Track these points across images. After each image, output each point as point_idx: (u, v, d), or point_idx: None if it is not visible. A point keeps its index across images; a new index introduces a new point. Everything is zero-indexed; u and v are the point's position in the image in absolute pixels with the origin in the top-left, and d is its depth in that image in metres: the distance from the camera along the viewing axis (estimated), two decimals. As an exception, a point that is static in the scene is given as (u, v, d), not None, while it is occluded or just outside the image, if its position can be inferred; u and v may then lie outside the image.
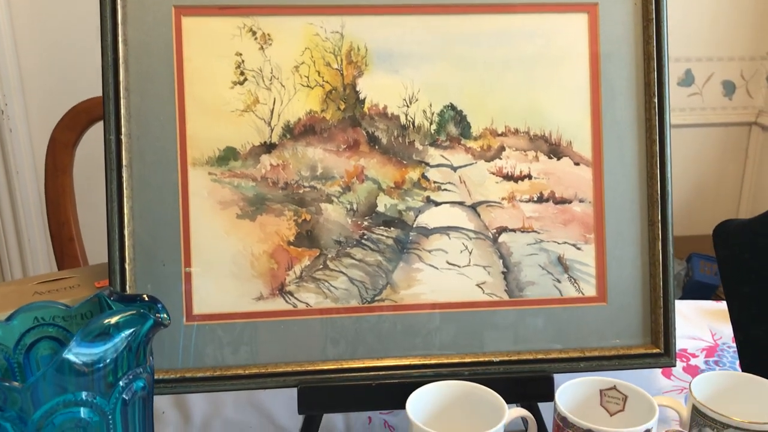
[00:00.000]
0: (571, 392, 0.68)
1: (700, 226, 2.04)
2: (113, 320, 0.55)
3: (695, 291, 2.10)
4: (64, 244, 1.22)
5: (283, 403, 0.88)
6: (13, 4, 1.92)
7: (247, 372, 0.74)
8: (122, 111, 0.73)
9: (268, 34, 0.75)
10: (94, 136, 1.24)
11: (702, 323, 1.05)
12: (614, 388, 0.69)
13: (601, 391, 0.69)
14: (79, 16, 1.92)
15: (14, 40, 1.94)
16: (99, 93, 1.03)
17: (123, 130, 0.73)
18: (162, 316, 0.59)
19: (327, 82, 0.75)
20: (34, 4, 1.93)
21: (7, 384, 0.51)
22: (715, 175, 2.23)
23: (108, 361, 0.55)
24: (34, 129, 2.01)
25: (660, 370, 0.93)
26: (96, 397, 0.55)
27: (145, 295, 0.60)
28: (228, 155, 0.75)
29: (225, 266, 0.75)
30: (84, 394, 0.55)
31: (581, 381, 0.69)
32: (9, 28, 1.91)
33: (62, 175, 1.21)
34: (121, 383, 0.56)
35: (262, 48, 0.75)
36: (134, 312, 0.56)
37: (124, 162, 0.73)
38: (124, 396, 0.57)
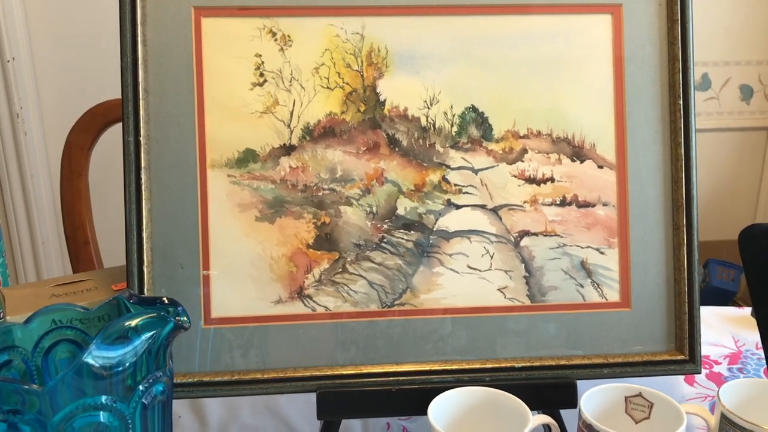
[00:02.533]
0: (596, 399, 0.67)
1: (717, 232, 2.02)
2: (133, 323, 0.54)
3: (712, 297, 2.08)
4: (79, 248, 1.22)
5: (301, 407, 0.87)
6: (28, 7, 1.92)
7: (265, 376, 0.73)
8: (141, 113, 0.72)
9: (288, 36, 0.74)
10: (110, 139, 1.24)
11: (724, 330, 1.04)
12: (640, 395, 0.68)
13: (626, 398, 0.68)
14: (96, 18, 1.93)
15: (30, 44, 1.94)
16: (114, 95, 1.03)
17: (142, 132, 0.72)
18: (182, 319, 0.58)
19: (347, 83, 0.75)
20: (50, 7, 1.93)
21: (26, 387, 0.50)
22: (732, 180, 2.21)
23: (128, 364, 0.55)
24: (48, 133, 2.02)
25: (683, 377, 0.92)
26: (116, 401, 0.54)
27: (165, 298, 0.60)
28: (247, 157, 0.74)
29: (244, 269, 0.74)
30: (103, 398, 0.54)
31: (606, 388, 0.68)
32: (24, 31, 1.92)
33: (78, 179, 1.21)
34: (140, 387, 0.55)
35: (281, 49, 0.74)
36: (154, 315, 0.56)
37: (142, 164, 0.72)
38: (143, 400, 0.56)
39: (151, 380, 0.56)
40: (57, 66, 1.98)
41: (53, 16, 1.94)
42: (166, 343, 0.57)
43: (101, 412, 0.53)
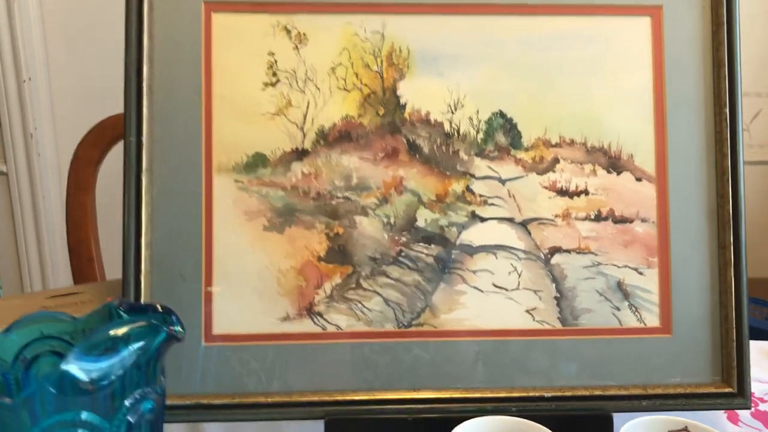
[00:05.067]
0: (637, 433, 0.59)
1: (749, 269, 1.93)
2: (120, 332, 0.49)
3: (743, 337, 1.98)
4: (83, 265, 1.16)
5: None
6: (47, 26, 1.91)
7: (269, 400, 0.67)
8: (144, 111, 0.67)
9: (304, 33, 0.69)
10: (120, 153, 1.20)
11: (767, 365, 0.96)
12: (685, 429, 0.61)
13: (670, 432, 0.61)
14: (115, 38, 1.90)
15: (47, 63, 1.93)
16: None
17: (144, 131, 0.67)
18: (176, 329, 0.52)
19: (365, 85, 0.69)
20: (68, 26, 1.92)
21: (-6, 398, 0.44)
22: (764, 216, 2.13)
23: (113, 378, 0.49)
24: (62, 154, 1.99)
25: (725, 413, 0.84)
26: (97, 418, 0.48)
27: (158, 306, 0.54)
28: (256, 162, 0.69)
29: (249, 282, 0.68)
30: (84, 415, 0.48)
31: (647, 420, 0.61)
32: (42, 51, 1.90)
33: (84, 194, 1.16)
34: (126, 403, 0.49)
35: (296, 48, 0.69)
36: (144, 323, 0.50)
37: (144, 166, 0.67)
38: (129, 417, 0.50)
39: (138, 396, 0.50)
40: (74, 86, 1.95)
41: (71, 36, 1.92)
42: (158, 356, 0.51)
43: (79, 430, 0.47)
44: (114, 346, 0.48)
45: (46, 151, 1.95)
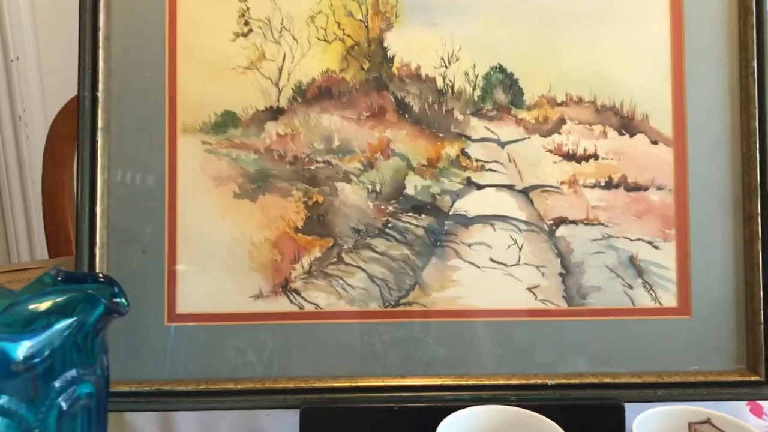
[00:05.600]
0: (653, 424, 0.52)
1: None
2: (43, 305, 0.42)
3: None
4: (60, 248, 1.10)
5: (291, 427, 0.73)
6: (36, 2, 1.84)
7: (239, 387, 0.60)
8: (100, 64, 0.61)
9: (280, -22, 0.62)
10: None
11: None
12: (708, 421, 0.53)
13: (690, 424, 0.54)
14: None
15: (36, 42, 1.86)
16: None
17: (100, 86, 0.61)
18: (119, 301, 0.45)
19: (348, 35, 0.62)
20: (58, 3, 1.85)
21: None
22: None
23: (37, 359, 0.42)
24: (52, 137, 1.92)
25: (748, 405, 0.76)
26: (20, 404, 0.41)
27: (100, 275, 0.47)
28: (226, 121, 0.62)
29: (218, 256, 0.61)
30: (3, 400, 0.41)
31: (665, 411, 0.54)
32: (31, 29, 1.84)
33: (61, 170, 1.09)
34: (56, 385, 0.42)
35: (271, -6, 0.62)
36: (77, 294, 0.43)
37: (99, 124, 0.60)
38: (60, 402, 0.42)
39: (71, 377, 0.43)
40: (64, 66, 1.88)
41: (61, 13, 1.85)
42: (96, 332, 0.44)
43: (-5, 418, 0.40)
44: (37, 320, 0.41)
45: (36, 134, 1.89)
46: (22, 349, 0.41)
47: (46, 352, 0.42)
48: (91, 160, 0.60)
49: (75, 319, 0.43)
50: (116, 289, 0.45)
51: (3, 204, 1.93)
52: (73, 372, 0.43)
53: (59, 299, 0.42)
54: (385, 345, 0.61)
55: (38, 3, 1.84)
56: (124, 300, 0.45)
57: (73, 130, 1.05)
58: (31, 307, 0.41)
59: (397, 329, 0.61)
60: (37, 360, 0.41)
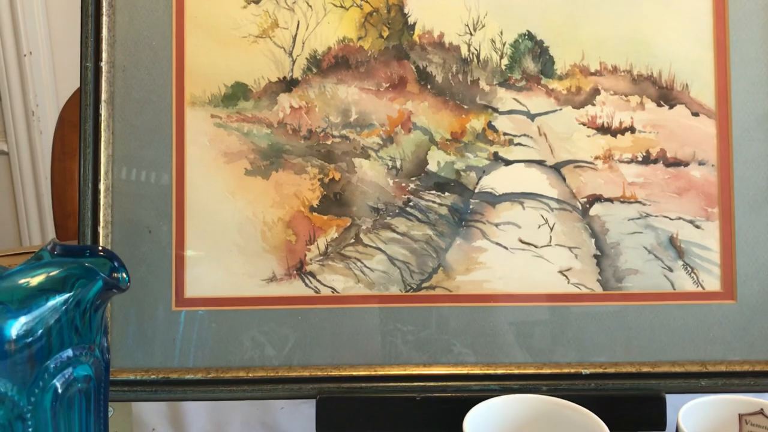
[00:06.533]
0: (701, 415, 0.48)
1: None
2: (35, 280, 0.38)
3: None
4: (70, 238, 1.07)
5: (307, 422, 0.69)
6: (49, 3, 1.82)
7: (251, 375, 0.56)
8: (103, 32, 0.57)
9: (294, -58, 0.58)
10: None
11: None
12: (761, 412, 0.49)
13: (740, 416, 0.50)
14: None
15: (49, 37, 1.84)
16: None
17: (104, 56, 0.57)
18: (119, 276, 0.42)
19: (366, 1, 0.59)
20: (70, 2, 1.83)
21: None
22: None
23: (36, 336, 0.38)
24: (65, 132, 1.90)
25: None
26: (12, 387, 0.38)
27: (99, 249, 0.43)
28: (237, 93, 0.58)
29: (228, 237, 0.58)
30: (-9, 383, 0.37)
31: (713, 401, 0.49)
32: (44, 23, 1.82)
33: (71, 159, 1.07)
34: (51, 365, 0.39)
35: (285, -41, 0.58)
36: (73, 267, 0.39)
37: (103, 97, 0.57)
38: (55, 383, 0.39)
39: (67, 358, 0.40)
40: (76, 61, 1.86)
41: (74, 7, 1.83)
42: (95, 307, 0.41)
43: (-20, 403, 0.37)
44: (31, 296, 0.38)
45: (48, 129, 1.86)
46: (15, 327, 0.38)
47: (40, 331, 0.38)
48: (94, 133, 0.56)
49: (71, 294, 0.39)
50: (116, 263, 0.42)
51: (16, 198, 1.92)
52: (69, 352, 0.40)
53: (54, 272, 0.39)
54: (406, 331, 0.57)
55: (52, 5, 1.82)
56: (124, 275, 0.41)
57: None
58: (23, 281, 0.38)
59: (420, 315, 0.57)
60: (31, 339, 0.38)
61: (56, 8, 1.84)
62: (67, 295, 0.39)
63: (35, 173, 1.89)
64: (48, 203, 1.91)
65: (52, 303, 0.39)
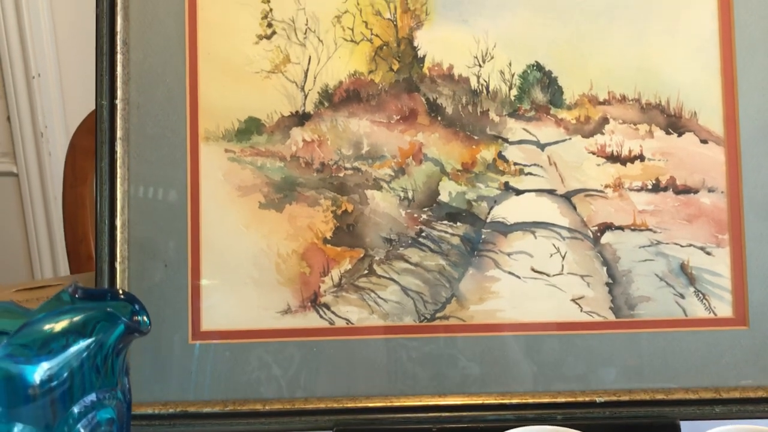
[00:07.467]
0: (717, 445, 0.48)
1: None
2: (59, 325, 0.39)
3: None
4: (82, 263, 1.07)
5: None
6: (57, 19, 1.84)
7: (267, 408, 0.57)
8: (118, 70, 0.58)
9: (304, -23, 0.59)
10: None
11: None
12: (776, 441, 0.49)
13: (756, 445, 0.49)
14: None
15: (57, 59, 1.86)
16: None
17: (119, 94, 0.58)
18: (140, 319, 0.42)
19: (376, 35, 0.59)
20: (80, 19, 1.84)
21: None
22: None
23: (55, 383, 0.39)
24: (74, 153, 1.91)
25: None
26: (36, 430, 0.38)
27: (120, 291, 0.44)
28: (250, 128, 0.59)
29: (243, 270, 0.58)
30: (17, 428, 0.38)
31: (730, 430, 0.49)
32: (52, 46, 1.83)
33: (82, 185, 1.07)
34: (75, 410, 0.39)
35: (295, -6, 0.59)
36: (95, 312, 0.40)
37: (118, 134, 0.58)
38: (80, 429, 0.40)
39: (91, 402, 0.40)
40: (85, 82, 1.87)
41: (81, 30, 1.84)
42: (117, 352, 0.41)
43: (7, 449, 0.37)
44: (54, 340, 0.39)
45: (57, 151, 1.88)
46: (39, 372, 0.38)
47: (64, 375, 0.39)
48: (110, 171, 0.57)
49: (94, 339, 0.40)
50: (137, 307, 0.42)
51: (26, 220, 1.93)
52: (92, 396, 0.40)
53: (77, 318, 0.40)
54: (420, 362, 0.58)
55: (59, 20, 1.84)
56: (145, 318, 0.42)
57: (94, 143, 1.02)
58: (47, 327, 0.38)
59: (433, 345, 0.58)
60: (54, 383, 0.39)
61: (64, 31, 1.85)
62: (90, 340, 0.40)
63: (45, 195, 1.90)
64: (58, 225, 1.92)
65: (74, 348, 0.39)
